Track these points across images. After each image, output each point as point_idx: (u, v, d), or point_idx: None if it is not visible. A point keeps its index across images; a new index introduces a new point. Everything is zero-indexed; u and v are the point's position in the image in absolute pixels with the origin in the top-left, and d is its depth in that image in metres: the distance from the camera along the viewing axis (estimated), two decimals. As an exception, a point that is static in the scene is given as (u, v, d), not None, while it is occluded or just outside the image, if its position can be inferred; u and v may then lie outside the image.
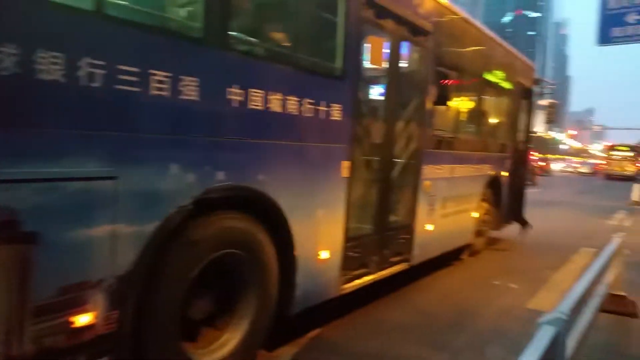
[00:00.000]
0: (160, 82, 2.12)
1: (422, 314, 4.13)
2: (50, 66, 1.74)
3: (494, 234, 7.24)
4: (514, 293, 4.87)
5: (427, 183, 4.59)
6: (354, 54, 3.39)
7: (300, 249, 3.04)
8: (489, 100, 6.38)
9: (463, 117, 5.70)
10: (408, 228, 4.42)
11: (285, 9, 2.96)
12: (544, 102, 9.54)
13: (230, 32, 2.50)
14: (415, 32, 4.18)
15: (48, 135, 1.77)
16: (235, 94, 2.50)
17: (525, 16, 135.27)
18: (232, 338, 2.71)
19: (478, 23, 5.80)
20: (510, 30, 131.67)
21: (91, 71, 1.86)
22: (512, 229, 7.77)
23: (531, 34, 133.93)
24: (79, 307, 1.91)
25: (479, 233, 6.38)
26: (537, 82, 8.04)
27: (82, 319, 1.92)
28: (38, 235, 1.76)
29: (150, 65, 2.07)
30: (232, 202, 2.59)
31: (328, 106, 3.17)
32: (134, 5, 2.17)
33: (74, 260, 1.89)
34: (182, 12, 2.49)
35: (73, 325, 1.89)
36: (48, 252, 1.79)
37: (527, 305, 4.43)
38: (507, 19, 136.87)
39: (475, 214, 6.08)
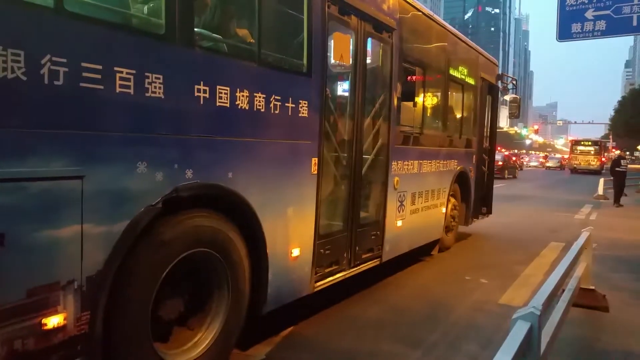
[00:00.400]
0: (124, 79, 2.16)
1: (395, 310, 4.22)
2: (11, 64, 1.76)
3: (463, 229, 7.52)
4: (485, 288, 5.01)
5: (396, 179, 4.75)
6: (319, 50, 3.49)
7: (272, 247, 3.12)
8: (454, 96, 6.62)
9: (429, 113, 5.91)
10: (378, 224, 4.56)
11: (250, 5, 3.04)
12: (507, 97, 9.92)
13: (194, 29, 2.56)
14: (379, 28, 4.34)
15: (12, 134, 1.79)
16: (201, 90, 2.56)
17: (487, 12, 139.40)
18: (205, 338, 2.76)
19: (441, 20, 6.03)
20: (472, 26, 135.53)
21: (54, 69, 1.89)
22: (480, 224, 8.08)
23: (493, 30, 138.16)
24: (49, 308, 1.92)
25: (448, 228, 6.62)
26: (500, 77, 8.39)
27: (53, 321, 1.94)
28: (2, 236, 1.77)
29: (114, 63, 2.11)
30: (201, 200, 2.64)
31: (295, 103, 3.26)
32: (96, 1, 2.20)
33: (41, 262, 1.90)
34: (145, 9, 2.53)
35: (44, 328, 1.91)
36: (13, 254, 1.81)
37: (499, 301, 4.57)
38: (468, 15, 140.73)
39: (444, 210, 6.30)
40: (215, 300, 2.83)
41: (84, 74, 1.99)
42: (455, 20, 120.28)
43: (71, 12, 1.98)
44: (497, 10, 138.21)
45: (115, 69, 2.11)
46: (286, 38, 3.46)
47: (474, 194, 7.49)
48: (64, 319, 1.98)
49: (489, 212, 8.19)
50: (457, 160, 6.61)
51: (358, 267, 4.28)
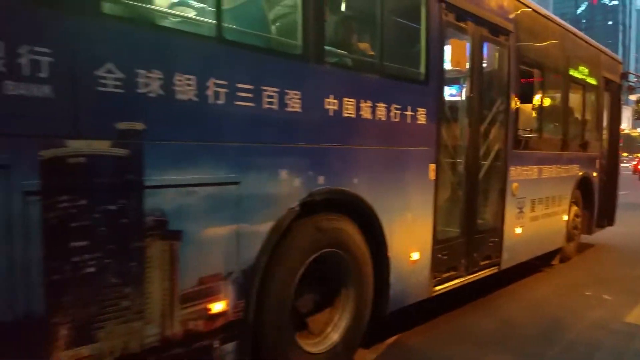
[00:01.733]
0: (270, 96, 2.45)
1: (508, 324, 4.07)
2: (186, 87, 2.11)
3: (584, 239, 7.04)
4: (608, 305, 4.64)
5: (514, 185, 4.65)
6: (436, 58, 3.59)
7: (393, 250, 3.25)
8: (575, 98, 6.28)
9: (548, 116, 5.68)
10: (496, 231, 4.49)
11: (369, 20, 3.23)
12: (632, 97, 9.12)
13: (325, 47, 2.80)
14: (496, 32, 4.31)
15: (189, 147, 2.14)
16: (330, 103, 2.79)
17: (603, 5, 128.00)
18: (334, 332, 2.96)
19: (558, 19, 5.78)
20: (585, 21, 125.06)
21: (217, 90, 2.21)
22: (601, 234, 7.49)
23: (610, 24, 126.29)
24: (214, 296, 2.24)
25: (569, 237, 6.25)
26: (624, 76, 7.77)
27: (217, 307, 2.26)
28: (180, 233, 2.12)
29: (262, 82, 2.41)
30: (330, 204, 2.86)
31: (414, 111, 3.39)
32: (246, 29, 2.53)
33: (208, 255, 2.23)
34: (283, 33, 2.83)
35: (210, 312, 2.23)
36: (187, 248, 2.14)
37: (625, 319, 4.23)
38: (581, 9, 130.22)
39: (566, 217, 5.98)
40: (343, 298, 3.03)
41: (239, 94, 2.31)
42: (567, 16, 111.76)
43: (229, 40, 2.31)
44: (615, 2, 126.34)
45: (263, 87, 2.41)
46: (404, 48, 3.61)
47: (598, 201, 7.00)
48: (225, 305, 2.29)
49: (611, 221, 7.58)
50: (579, 165, 6.24)
51: (476, 274, 4.25)
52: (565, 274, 5.81)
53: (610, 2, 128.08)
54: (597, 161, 6.98)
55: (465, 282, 4.11)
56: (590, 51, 6.57)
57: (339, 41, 3.07)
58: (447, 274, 3.90)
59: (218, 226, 2.26)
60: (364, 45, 3.26)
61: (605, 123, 7.29)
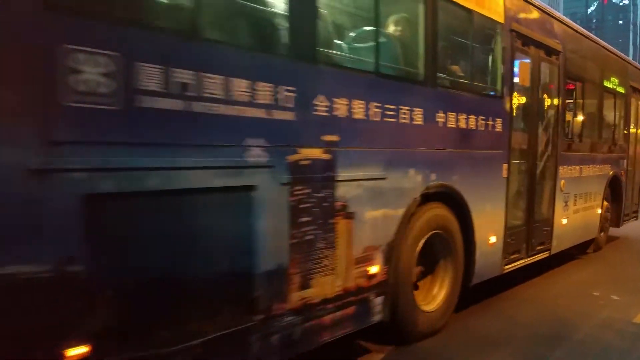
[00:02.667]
0: (404, 113, 3.24)
1: (514, 324, 4.12)
2: (358, 109, 2.90)
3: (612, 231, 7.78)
4: (616, 305, 4.67)
5: (562, 182, 5.42)
6: (508, 76, 4.38)
7: (477, 233, 4.04)
8: (607, 105, 7.03)
9: (587, 122, 6.43)
10: (548, 221, 5.27)
11: (462, 48, 4.03)
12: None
13: (437, 74, 3.59)
14: (550, 53, 5.09)
15: (359, 153, 2.94)
16: (440, 117, 3.58)
17: (614, 4, 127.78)
18: (438, 296, 3.76)
19: (594, 37, 6.54)
20: (596, 21, 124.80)
21: (376, 111, 3.01)
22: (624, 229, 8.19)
23: (621, 24, 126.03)
24: (372, 261, 3.05)
25: (602, 229, 7.02)
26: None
27: (373, 269, 3.06)
28: (354, 214, 2.91)
29: (401, 103, 3.20)
30: (438, 196, 3.64)
31: (493, 121, 4.17)
32: (393, 64, 3.33)
33: (369, 231, 3.03)
34: (410, 65, 3.61)
35: (369, 273, 3.04)
36: (357, 225, 2.94)
37: (634, 319, 4.26)
38: (591, 8, 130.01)
39: (599, 211, 6.74)
40: (442, 269, 3.82)
41: (387, 112, 3.10)
42: (577, 15, 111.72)
43: (382, 73, 3.11)
44: (626, 2, 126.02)
45: (400, 107, 3.20)
46: (485, 69, 4.39)
47: (625, 197, 7.75)
48: (378, 269, 3.10)
49: (636, 215, 8.37)
50: (610, 164, 7.00)
51: (533, 257, 5.02)
52: (573, 273, 5.89)
53: (620, 2, 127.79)
54: (625, 161, 7.74)
55: (525, 263, 4.89)
56: (619, 63, 7.33)
57: (444, 68, 3.84)
58: (513, 256, 4.68)
59: (374, 210, 3.06)
60: (457, 69, 4.05)
61: (631, 127, 8.05)
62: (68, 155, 1.74)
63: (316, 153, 2.65)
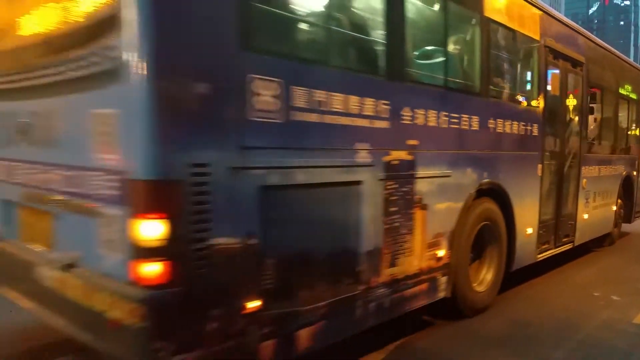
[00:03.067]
0: (465, 120, 3.84)
1: (515, 324, 4.17)
2: (432, 117, 3.49)
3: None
4: (616, 305, 4.70)
5: (584, 180, 6.03)
6: (543, 86, 4.98)
7: (517, 225, 4.63)
8: (621, 110, 7.67)
9: (604, 126, 7.05)
10: (572, 216, 5.88)
11: (508, 63, 4.64)
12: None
13: (490, 86, 4.19)
14: (575, 65, 5.71)
15: (431, 154, 3.53)
16: (491, 123, 4.17)
17: (615, 5, 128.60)
18: (486, 279, 4.35)
19: (611, 48, 7.16)
20: (597, 21, 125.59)
21: (454, 121, 3.60)
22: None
23: (622, 25, 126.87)
24: (439, 246, 3.64)
25: (616, 224, 7.64)
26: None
27: (440, 253, 3.65)
28: (427, 205, 3.50)
29: (464, 112, 3.80)
30: (487, 192, 4.23)
31: (531, 125, 4.78)
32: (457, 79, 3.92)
33: (437, 220, 3.62)
34: (468, 79, 4.20)
35: (437, 256, 3.63)
36: (428, 215, 3.53)
37: (634, 320, 4.29)
38: (593, 9, 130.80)
39: (614, 207, 7.36)
40: (489, 255, 4.41)
41: (452, 120, 3.69)
42: (578, 16, 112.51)
43: (451, 87, 3.71)
44: (627, 3, 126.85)
45: (462, 115, 3.79)
46: (525, 80, 5.00)
47: (636, 195, 8.39)
48: (444, 252, 3.69)
49: None
50: (623, 165, 7.63)
51: (559, 248, 5.62)
52: (573, 273, 5.90)
53: (622, 3, 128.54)
54: (636, 162, 8.37)
55: (553, 253, 5.49)
56: (632, 72, 7.98)
57: (494, 81, 4.42)
58: (544, 246, 5.28)
59: (441, 202, 3.65)
60: (504, 81, 4.64)
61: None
62: (252, 157, 2.33)
63: (402, 155, 3.25)
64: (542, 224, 5.14)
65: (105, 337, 2.22)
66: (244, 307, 2.34)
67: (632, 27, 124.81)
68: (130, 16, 2.00)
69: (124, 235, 2.11)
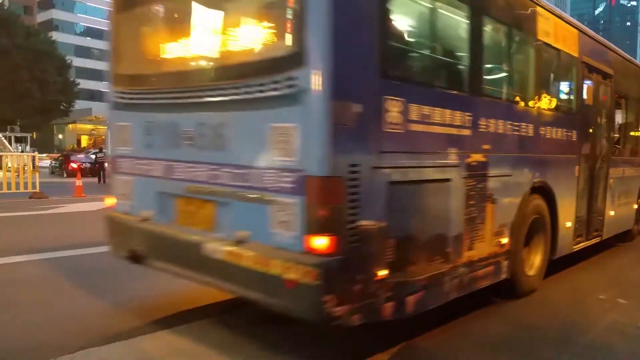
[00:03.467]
0: (523, 128, 4.57)
1: (520, 328, 4.23)
2: (499, 126, 4.22)
3: None
4: (622, 308, 4.75)
5: (611, 180, 6.78)
6: (580, 96, 5.73)
7: (559, 219, 5.37)
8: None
9: (628, 130, 7.85)
10: (601, 212, 6.62)
11: (554, 76, 5.42)
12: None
13: (541, 98, 4.94)
14: (605, 77, 6.47)
15: (498, 156, 4.26)
16: (542, 130, 4.91)
17: (622, 5, 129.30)
18: (534, 264, 5.08)
19: (634, 60, 7.90)
20: (603, 22, 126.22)
21: (507, 127, 4.33)
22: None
23: (629, 25, 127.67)
24: (503, 235, 4.38)
25: (636, 221, 8.41)
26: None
27: (504, 241, 4.38)
28: (495, 199, 4.23)
29: (534, 124, 4.59)
30: (537, 189, 4.97)
31: (570, 132, 5.51)
32: (517, 93, 4.65)
33: (501, 213, 4.35)
34: (524, 93, 4.94)
35: (502, 243, 4.36)
36: (496, 208, 4.25)
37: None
38: (599, 10, 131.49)
39: (635, 206, 8.11)
40: (536, 243, 5.14)
41: (513, 128, 4.43)
42: (584, 17, 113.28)
43: (512, 100, 4.44)
44: (634, 3, 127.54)
45: (521, 124, 4.53)
46: (566, 92, 5.76)
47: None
48: (506, 240, 4.43)
49: None
50: (643, 167, 8.39)
51: (589, 241, 6.36)
52: (578, 277, 5.98)
53: (628, 3, 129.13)
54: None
55: (585, 245, 6.24)
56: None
57: (545, 93, 5.16)
58: (578, 239, 6.02)
59: (505, 198, 4.38)
60: (551, 93, 5.37)
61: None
62: (384, 159, 3.06)
63: (479, 157, 3.97)
64: (577, 219, 5.86)
65: (280, 294, 2.95)
66: (376, 275, 3.06)
67: (639, 28, 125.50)
68: (313, 57, 2.74)
69: (298, 217, 2.85)
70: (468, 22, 3.90)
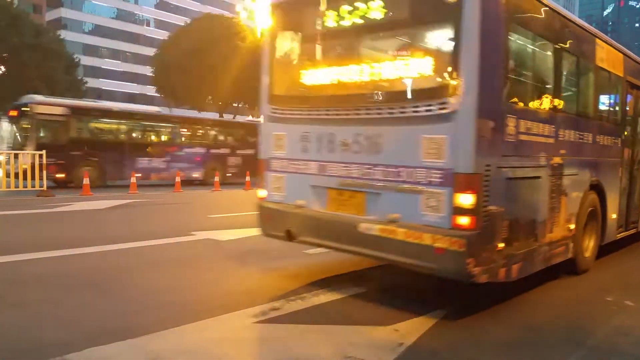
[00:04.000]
0: (586, 136, 5.76)
1: (526, 329, 4.25)
2: (574, 136, 5.41)
3: None
4: (630, 311, 4.80)
5: (646, 179, 8.02)
6: (624, 109, 6.99)
7: (608, 211, 6.60)
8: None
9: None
10: (638, 207, 7.85)
11: (606, 93, 6.63)
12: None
13: (597, 112, 6.15)
14: (641, 90, 7.74)
15: (573, 160, 5.47)
16: (598, 138, 6.13)
17: (631, 7, 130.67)
18: (588, 247, 6.29)
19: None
20: (612, 23, 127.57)
21: (581, 136, 5.53)
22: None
23: (638, 26, 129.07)
24: (571, 221, 5.59)
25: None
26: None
27: (571, 227, 5.59)
28: (567, 194, 5.41)
29: (599, 133, 5.79)
30: (593, 186, 6.17)
31: (616, 139, 6.73)
32: (582, 109, 5.87)
33: (570, 205, 5.55)
34: (587, 108, 6.14)
35: (569, 228, 5.57)
36: (567, 200, 5.45)
37: None
38: (607, 11, 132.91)
39: (663, 203, 9.34)
40: (589, 230, 6.32)
41: (579, 136, 5.63)
42: (592, 18, 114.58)
43: (580, 114, 5.66)
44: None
45: (584, 133, 5.74)
46: (614, 106, 7.01)
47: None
48: (573, 226, 5.64)
49: None
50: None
51: (628, 231, 7.60)
52: (586, 279, 5.91)
53: (637, 4, 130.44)
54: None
55: (624, 235, 7.45)
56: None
57: (599, 108, 6.41)
58: (619, 229, 7.26)
59: (572, 193, 5.59)
60: (604, 107, 6.66)
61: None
62: (505, 161, 4.28)
63: (558, 160, 5.17)
64: (620, 212, 7.08)
65: (429, 259, 4.11)
66: (497, 246, 4.24)
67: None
68: (464, 89, 3.95)
69: (445, 202, 4.05)
70: (552, 56, 5.15)
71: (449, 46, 4.11)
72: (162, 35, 52.91)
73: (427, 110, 4.14)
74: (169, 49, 36.66)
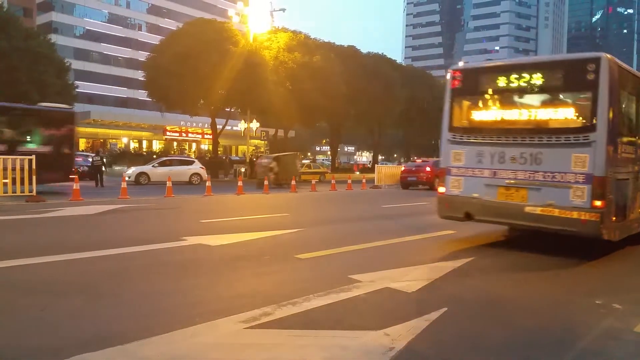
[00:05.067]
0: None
1: (516, 331, 4.17)
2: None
3: None
4: (618, 314, 4.67)
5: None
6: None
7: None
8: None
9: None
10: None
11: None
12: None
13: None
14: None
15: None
16: None
17: (618, 13, 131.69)
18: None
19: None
20: (600, 29, 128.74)
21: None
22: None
23: (625, 33, 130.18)
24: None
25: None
26: None
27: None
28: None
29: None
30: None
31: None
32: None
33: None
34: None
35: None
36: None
37: (635, 328, 4.25)
38: (596, 17, 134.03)
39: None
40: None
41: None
42: (581, 24, 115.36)
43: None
44: (630, 11, 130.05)
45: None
46: None
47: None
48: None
49: None
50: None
51: None
52: (573, 282, 5.88)
53: (625, 11, 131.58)
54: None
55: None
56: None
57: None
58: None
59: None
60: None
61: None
62: (615, 169, 6.54)
63: (636, 168, 7.20)
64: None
65: (577, 226, 6.41)
66: (612, 219, 6.48)
67: (635, 35, 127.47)
68: (599, 128, 6.37)
69: (587, 193, 6.37)
70: (635, 106, 7.49)
71: (588, 102, 6.59)
72: (154, 39, 52.65)
73: (575, 139, 6.57)
74: (160, 53, 36.45)
